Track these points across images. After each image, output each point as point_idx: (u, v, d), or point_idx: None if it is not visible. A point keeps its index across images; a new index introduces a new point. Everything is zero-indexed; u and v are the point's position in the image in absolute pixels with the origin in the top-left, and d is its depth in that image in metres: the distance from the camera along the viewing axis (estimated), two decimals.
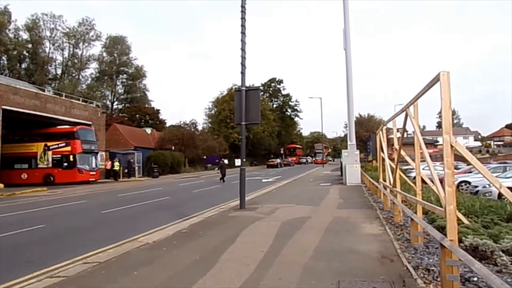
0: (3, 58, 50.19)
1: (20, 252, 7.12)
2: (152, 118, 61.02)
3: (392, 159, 10.79)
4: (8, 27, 48.54)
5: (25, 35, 51.68)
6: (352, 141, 21.05)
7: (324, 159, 71.16)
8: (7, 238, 8.34)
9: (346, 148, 22.00)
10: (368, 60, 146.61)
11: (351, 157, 20.51)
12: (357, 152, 21.13)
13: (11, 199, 17.15)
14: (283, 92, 79.38)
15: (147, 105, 64.14)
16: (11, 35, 49.47)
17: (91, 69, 62.05)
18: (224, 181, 23.09)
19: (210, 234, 7.81)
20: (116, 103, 65.86)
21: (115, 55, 61.96)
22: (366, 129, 55.84)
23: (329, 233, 7.56)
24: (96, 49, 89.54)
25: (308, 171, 40.82)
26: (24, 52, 51.07)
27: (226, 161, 55.16)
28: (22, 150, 27.14)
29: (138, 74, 63.17)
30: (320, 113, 76.05)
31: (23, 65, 53.19)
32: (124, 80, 64.75)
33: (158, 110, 63.10)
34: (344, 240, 6.97)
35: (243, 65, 11.56)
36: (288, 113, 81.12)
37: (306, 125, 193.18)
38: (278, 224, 8.64)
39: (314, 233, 7.62)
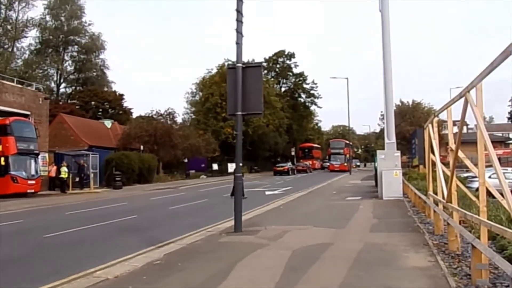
0: None
1: None
2: (113, 106, 61.11)
3: (446, 164, 10.77)
4: None
5: None
6: (391, 139, 21.05)
7: (346, 163, 67.00)
8: None
9: (383, 148, 21.99)
10: (413, 29, 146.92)
11: (389, 161, 20.51)
12: (398, 153, 21.13)
13: None
14: (295, 71, 79.55)
15: (106, 89, 64.21)
16: None
17: (30, 39, 62.05)
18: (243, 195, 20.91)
19: (194, 267, 7.80)
20: (63, 85, 65.93)
21: (62, 19, 61.90)
22: (410, 122, 55.79)
23: (358, 266, 7.53)
24: (36, 11, 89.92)
25: (330, 179, 40.92)
26: None
27: (215, 166, 55.46)
28: None
29: (94, 46, 63.09)
30: (346, 100, 69.58)
31: None
32: (74, 53, 64.73)
33: (121, 96, 63.19)
34: (379, 275, 6.93)
35: (239, 32, 11.51)
36: (302, 100, 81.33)
37: (327, 117, 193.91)
38: (288, 254, 8.63)
39: (337, 265, 7.59)
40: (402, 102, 61.99)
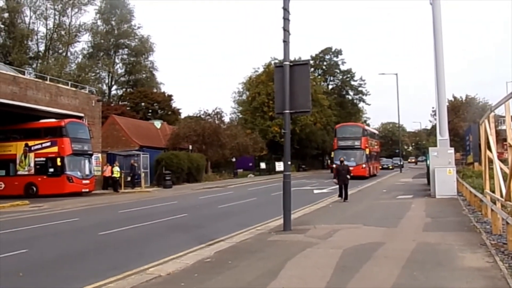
0: None
1: None
2: (163, 107, 62.44)
3: (503, 161, 10.37)
4: None
5: (0, 2, 54.50)
6: (443, 135, 20.47)
7: (365, 164, 40.93)
8: None
9: (435, 146, 21.41)
10: (466, 21, 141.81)
11: (442, 158, 19.97)
12: (452, 150, 20.54)
13: None
14: (342, 68, 78.56)
15: (155, 90, 65.66)
16: None
17: (82, 43, 64.44)
18: (346, 199, 19.14)
19: (244, 265, 7.87)
20: (115, 87, 68.07)
21: (113, 23, 63.90)
22: (463, 118, 53.98)
23: (411, 266, 7.39)
24: (88, 16, 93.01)
25: (380, 178, 40.17)
26: (0, 24, 53.81)
27: (261, 164, 55.50)
28: None
29: (143, 48, 64.72)
30: (395, 96, 67.46)
31: None
32: (124, 56, 66.70)
33: (170, 96, 64.45)
34: (433, 275, 6.79)
35: (286, 30, 11.51)
36: (350, 97, 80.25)
37: (376, 114, 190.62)
38: (338, 253, 8.57)
39: (390, 265, 7.48)
40: (455, 98, 60.05)
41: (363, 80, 78.57)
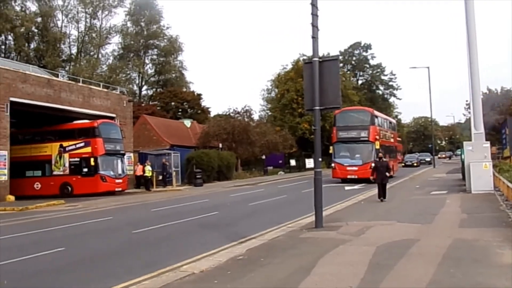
0: (9, 37, 54.84)
1: (33, 282, 7.77)
2: (192, 106, 63.01)
3: None
4: None
5: (33, 7, 56.03)
6: (478, 129, 19.95)
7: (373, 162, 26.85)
8: (19, 264, 9.14)
9: (469, 139, 20.92)
10: (500, 9, 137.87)
11: (478, 152, 19.47)
12: (487, 144, 20.01)
13: (23, 215, 18.79)
14: (372, 62, 77.75)
15: (184, 89, 66.30)
16: (18, 8, 53.85)
17: (113, 45, 65.75)
18: (385, 198, 17.54)
19: (276, 263, 7.87)
20: (145, 87, 69.14)
21: (142, 24, 64.85)
22: (499, 111, 52.55)
23: (448, 263, 7.26)
24: (118, 18, 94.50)
25: (412, 173, 39.50)
26: (33, 29, 55.37)
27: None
28: (33, 153, 29.52)
29: (172, 48, 65.46)
30: (427, 90, 66.42)
31: (32, 45, 57.77)
32: (154, 56, 67.65)
33: (199, 95, 65.00)
34: (471, 272, 6.65)
35: (314, 26, 11.43)
36: (380, 92, 79.29)
37: (408, 108, 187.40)
38: (372, 250, 8.47)
39: (425, 262, 7.36)
40: (489, 90, 58.54)
41: (394, 75, 77.69)
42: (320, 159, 11.59)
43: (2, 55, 50.53)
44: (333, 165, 30.46)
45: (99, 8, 59.87)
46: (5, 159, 24.98)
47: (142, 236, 12.27)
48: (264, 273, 7.20)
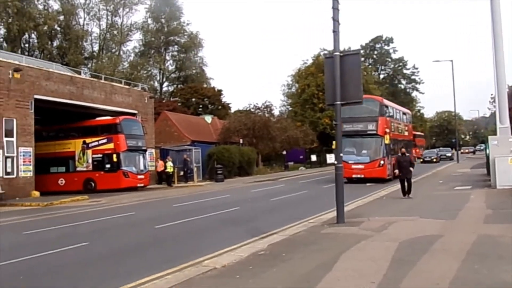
0: (33, 35, 55.90)
1: (60, 276, 7.95)
2: (213, 102, 63.26)
3: None
4: None
5: (56, 5, 56.94)
6: (504, 123, 19.59)
7: (384, 160, 26.47)
8: (45, 258, 9.34)
9: (494, 134, 20.54)
10: None
11: (503, 147, 19.11)
12: None
13: (48, 210, 19.17)
14: (394, 56, 76.99)
15: (205, 85, 66.59)
16: (40, 7, 54.80)
17: (134, 42, 66.34)
18: (409, 194, 16.86)
19: (298, 258, 7.89)
20: (166, 84, 69.67)
21: (163, 21, 65.32)
22: None
23: (472, 259, 7.17)
24: (139, 15, 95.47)
25: (435, 169, 39.01)
26: (56, 27, 56.30)
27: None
28: (57, 150, 30.05)
29: (193, 44, 65.79)
30: (451, 84, 64.93)
31: (55, 43, 58.76)
32: (175, 53, 68.10)
33: (220, 91, 65.14)
34: (496, 269, 6.55)
35: (335, 20, 11.37)
36: (402, 86, 78.47)
37: (431, 103, 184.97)
38: (394, 245, 8.41)
39: (448, 258, 7.29)
40: None
41: (416, 68, 76.79)
42: (341, 155, 11.56)
43: (26, 53, 51.44)
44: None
45: (120, 6, 60.53)
46: (30, 155, 25.48)
47: (164, 231, 12.41)
48: (286, 268, 7.22)
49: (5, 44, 52.00)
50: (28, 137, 25.43)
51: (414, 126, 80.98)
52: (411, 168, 17.09)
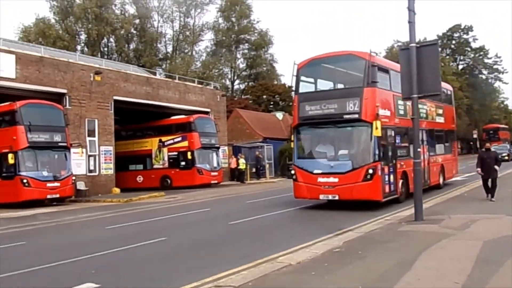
0: (111, 39, 58.97)
1: (141, 268, 8.30)
2: (284, 98, 63.20)
3: None
4: (114, 1, 56.69)
5: (132, 9, 59.65)
6: None
7: (376, 166, 14.03)
8: (126, 252, 9.81)
9: None
10: None
11: None
12: None
13: (128, 206, 20.11)
14: (474, 45, 73.05)
15: (276, 82, 66.79)
16: (118, 12, 57.72)
17: (206, 42, 67.88)
18: (493, 196, 14.74)
19: (374, 256, 7.74)
20: (237, 82, 70.60)
21: (233, 19, 66.25)
22: None
23: None
24: (210, 15, 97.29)
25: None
26: (132, 30, 59.04)
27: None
28: (135, 148, 31.50)
29: (263, 42, 66.20)
30: None
31: (131, 46, 61.55)
32: (245, 51, 68.85)
33: (290, 88, 64.49)
34: None
35: (411, 10, 11.01)
36: (483, 76, 74.37)
37: None
38: (478, 245, 8.03)
39: None
40: None
41: (499, 57, 72.36)
42: (419, 150, 11.19)
43: (105, 56, 54.33)
44: (293, 172, 15.57)
45: (192, 7, 62.14)
46: (111, 154, 26.92)
47: (238, 227, 12.60)
48: (362, 266, 7.10)
49: (86, 49, 55.28)
50: (108, 137, 26.84)
51: (497, 119, 76.65)
52: (496, 167, 14.71)
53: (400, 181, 15.23)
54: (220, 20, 66.08)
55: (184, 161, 29.46)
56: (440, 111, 21.12)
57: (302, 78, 16.00)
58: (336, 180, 14.20)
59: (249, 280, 6.58)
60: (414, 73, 10.71)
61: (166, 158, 30.36)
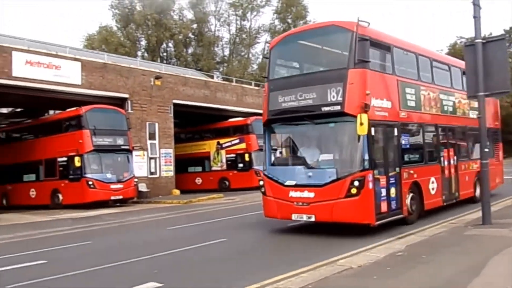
0: (170, 44, 60.59)
1: (203, 269, 8.47)
2: None
3: None
4: (173, 7, 58.22)
5: (189, 15, 61.02)
6: None
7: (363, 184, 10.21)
8: (187, 252, 10.02)
9: None
10: None
11: None
12: None
13: (188, 208, 20.56)
14: None
15: None
16: (176, 17, 59.24)
17: (262, 44, 68.10)
18: None
19: (439, 260, 7.47)
20: None
21: (289, 21, 66.09)
22: None
23: None
24: (266, 17, 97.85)
25: None
26: (190, 35, 60.35)
27: None
28: (194, 151, 32.14)
29: None
30: None
31: (190, 50, 62.92)
32: None
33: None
34: None
35: (476, 4, 10.56)
36: None
37: None
38: None
39: None
40: None
41: None
42: (486, 150, 10.71)
43: (165, 61, 55.81)
44: (261, 183, 12.23)
45: (248, 10, 62.65)
46: (170, 156, 27.68)
47: (296, 229, 12.53)
48: (426, 271, 6.87)
49: (146, 54, 57.04)
50: (168, 139, 27.59)
51: None
52: None
53: (409, 196, 11.57)
54: (276, 22, 66.15)
55: (241, 163, 29.70)
56: (463, 103, 15.36)
57: (277, 61, 12.90)
58: (311, 195, 10.61)
59: (309, 283, 6.52)
60: (481, 70, 10.27)
61: (224, 160, 30.74)
